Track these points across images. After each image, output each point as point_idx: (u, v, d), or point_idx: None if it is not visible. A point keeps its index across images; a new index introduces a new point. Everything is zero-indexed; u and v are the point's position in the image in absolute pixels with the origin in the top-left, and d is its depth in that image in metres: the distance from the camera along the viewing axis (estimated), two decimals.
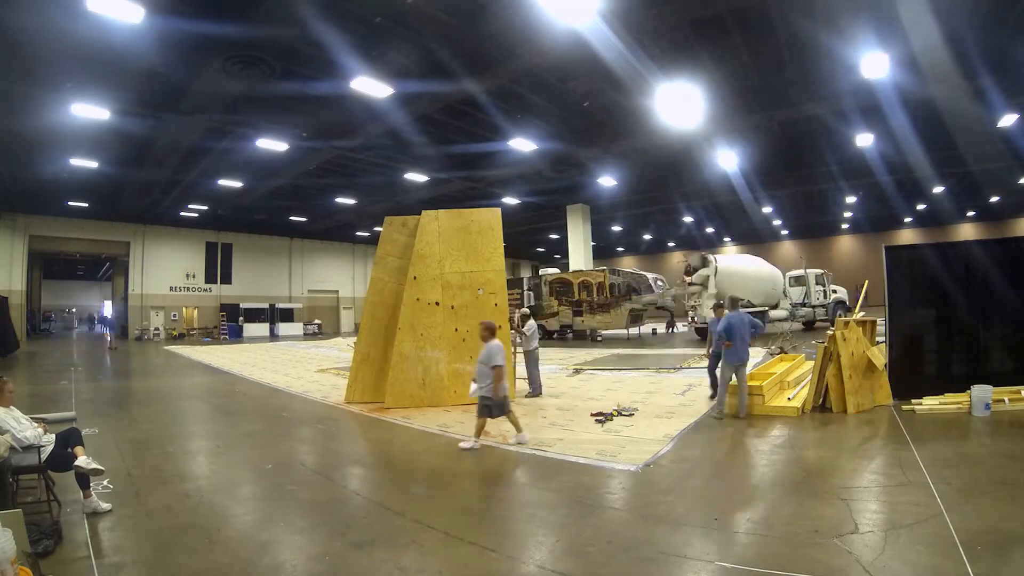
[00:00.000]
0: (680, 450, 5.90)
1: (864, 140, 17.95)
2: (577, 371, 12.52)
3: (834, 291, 22.91)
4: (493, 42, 11.50)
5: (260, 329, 34.19)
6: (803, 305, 21.90)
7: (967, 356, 7.62)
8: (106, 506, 4.41)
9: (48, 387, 11.95)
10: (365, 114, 14.90)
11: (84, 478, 4.37)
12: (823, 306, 22.13)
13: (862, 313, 9.01)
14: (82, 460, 4.30)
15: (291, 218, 32.18)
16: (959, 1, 10.21)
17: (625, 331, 22.22)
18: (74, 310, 52.14)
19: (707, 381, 10.43)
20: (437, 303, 8.87)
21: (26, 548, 3.22)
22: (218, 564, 3.49)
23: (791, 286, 21.80)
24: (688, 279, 19.58)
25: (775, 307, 20.64)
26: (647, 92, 13.52)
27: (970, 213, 36.11)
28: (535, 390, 9.39)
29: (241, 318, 33.90)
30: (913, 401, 7.26)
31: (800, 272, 22.66)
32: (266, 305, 35.81)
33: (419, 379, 8.65)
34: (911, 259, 8.17)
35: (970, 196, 29.83)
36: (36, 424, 4.55)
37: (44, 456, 4.36)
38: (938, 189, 27.05)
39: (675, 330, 25.80)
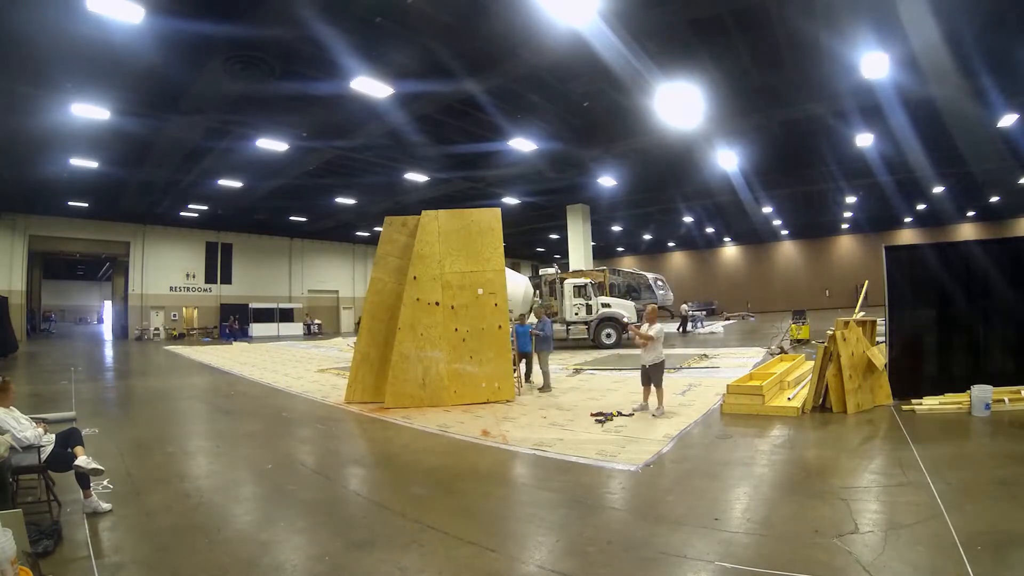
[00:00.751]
0: (680, 450, 5.90)
1: (864, 140, 17.95)
2: (577, 371, 12.51)
3: (605, 305, 18.95)
4: (493, 42, 11.50)
5: (270, 329, 34.26)
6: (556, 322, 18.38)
7: (967, 356, 7.62)
8: (106, 506, 4.41)
9: (48, 387, 11.95)
10: (365, 114, 14.90)
11: (84, 478, 4.37)
12: (584, 323, 18.75)
13: (862, 313, 9.02)
14: (82, 460, 4.30)
15: (291, 218, 32.18)
16: (959, 1, 10.22)
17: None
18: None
19: (707, 381, 10.50)
20: (437, 303, 8.87)
21: (26, 548, 3.22)
22: (218, 564, 3.49)
23: (575, 296, 18.76)
24: None
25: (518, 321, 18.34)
26: (647, 92, 13.53)
27: (970, 213, 36.14)
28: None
29: (235, 317, 33.91)
30: (913, 401, 7.26)
31: (581, 281, 19.29)
32: (275, 306, 35.86)
33: (419, 379, 8.65)
34: (911, 259, 8.17)
35: (970, 196, 29.84)
36: (36, 424, 4.55)
37: (44, 456, 4.36)
38: (938, 189, 27.06)
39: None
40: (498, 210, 9.59)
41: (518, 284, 18.56)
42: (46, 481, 4.35)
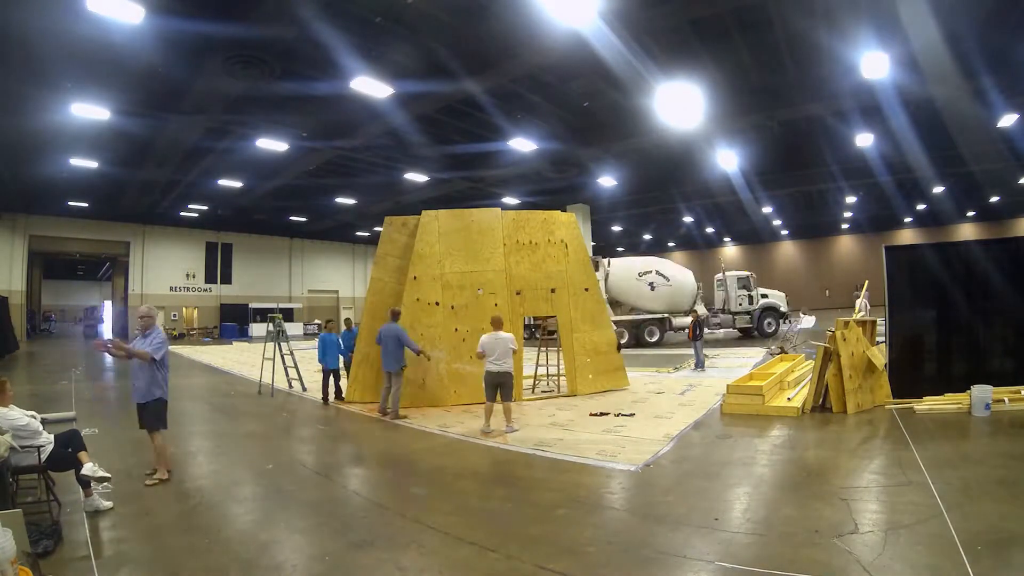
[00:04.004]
0: (680, 450, 5.90)
1: (864, 140, 17.94)
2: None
3: (764, 295, 20.71)
4: (493, 42, 11.49)
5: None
6: (722, 311, 20.47)
7: (967, 356, 7.62)
8: (107, 504, 4.42)
9: (48, 387, 11.94)
10: (365, 114, 14.90)
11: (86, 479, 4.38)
12: (747, 313, 20.24)
13: (861, 313, 9.02)
14: (88, 468, 4.31)
15: (291, 218, 32.18)
16: (959, 1, 10.21)
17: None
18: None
19: (707, 381, 10.44)
20: (437, 303, 8.87)
21: (26, 548, 3.22)
22: (218, 564, 3.49)
23: (739, 288, 20.31)
24: None
25: (686, 313, 19.30)
26: (647, 92, 13.51)
27: (970, 213, 36.11)
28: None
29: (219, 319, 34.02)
30: (913, 401, 7.27)
31: (719, 276, 21.24)
32: (275, 306, 35.89)
33: (419, 379, 8.64)
34: (911, 259, 8.17)
35: (970, 196, 29.83)
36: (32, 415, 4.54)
37: (44, 456, 4.36)
38: (938, 189, 27.05)
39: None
40: (498, 210, 9.61)
41: (687, 278, 20.09)
42: (46, 481, 4.35)
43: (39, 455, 4.32)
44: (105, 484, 4.56)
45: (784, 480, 4.92)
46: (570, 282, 9.54)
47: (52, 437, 4.56)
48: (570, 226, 9.88)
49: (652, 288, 19.52)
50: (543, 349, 10.45)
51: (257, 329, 33.76)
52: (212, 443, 7.12)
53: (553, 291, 9.41)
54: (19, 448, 4.20)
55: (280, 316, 11.40)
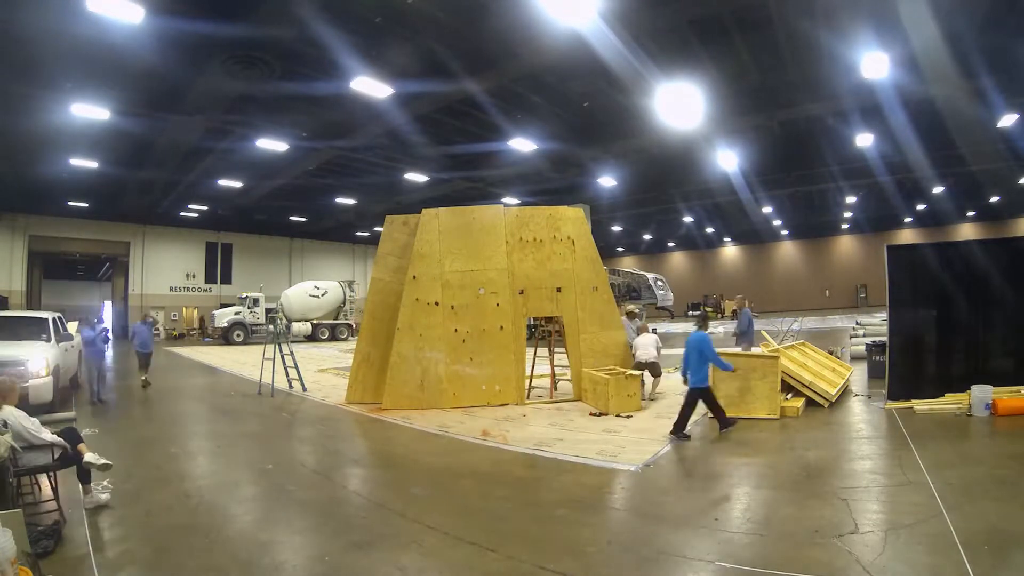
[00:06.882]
0: (680, 450, 5.90)
1: (864, 140, 17.94)
2: None
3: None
4: (493, 42, 11.50)
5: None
6: None
7: (967, 356, 7.62)
8: (105, 497, 4.48)
9: None
10: (365, 114, 14.90)
11: (86, 474, 4.40)
12: None
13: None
14: (90, 456, 4.35)
15: (291, 218, 32.18)
16: (959, 1, 10.21)
17: None
18: None
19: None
20: (437, 303, 8.81)
21: (26, 548, 3.22)
22: (218, 564, 3.49)
23: None
24: None
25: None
26: (647, 92, 13.52)
27: (970, 213, 36.10)
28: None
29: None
30: (913, 401, 7.27)
31: None
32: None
33: (417, 380, 8.59)
34: (913, 259, 8.17)
35: (970, 196, 29.80)
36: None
37: (55, 456, 4.37)
38: (938, 189, 27.03)
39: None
40: (501, 207, 9.54)
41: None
42: (52, 481, 4.35)
43: (52, 453, 4.31)
44: (105, 484, 4.56)
45: (784, 480, 4.92)
46: (577, 281, 9.23)
47: (55, 437, 4.56)
48: (578, 222, 9.56)
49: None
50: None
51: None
52: (212, 443, 7.12)
53: (559, 290, 9.12)
54: (20, 448, 4.20)
55: (281, 315, 11.40)
